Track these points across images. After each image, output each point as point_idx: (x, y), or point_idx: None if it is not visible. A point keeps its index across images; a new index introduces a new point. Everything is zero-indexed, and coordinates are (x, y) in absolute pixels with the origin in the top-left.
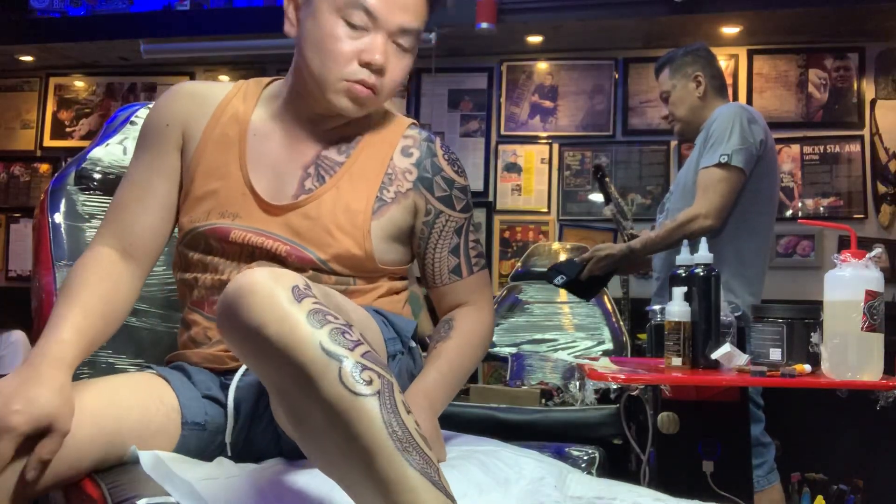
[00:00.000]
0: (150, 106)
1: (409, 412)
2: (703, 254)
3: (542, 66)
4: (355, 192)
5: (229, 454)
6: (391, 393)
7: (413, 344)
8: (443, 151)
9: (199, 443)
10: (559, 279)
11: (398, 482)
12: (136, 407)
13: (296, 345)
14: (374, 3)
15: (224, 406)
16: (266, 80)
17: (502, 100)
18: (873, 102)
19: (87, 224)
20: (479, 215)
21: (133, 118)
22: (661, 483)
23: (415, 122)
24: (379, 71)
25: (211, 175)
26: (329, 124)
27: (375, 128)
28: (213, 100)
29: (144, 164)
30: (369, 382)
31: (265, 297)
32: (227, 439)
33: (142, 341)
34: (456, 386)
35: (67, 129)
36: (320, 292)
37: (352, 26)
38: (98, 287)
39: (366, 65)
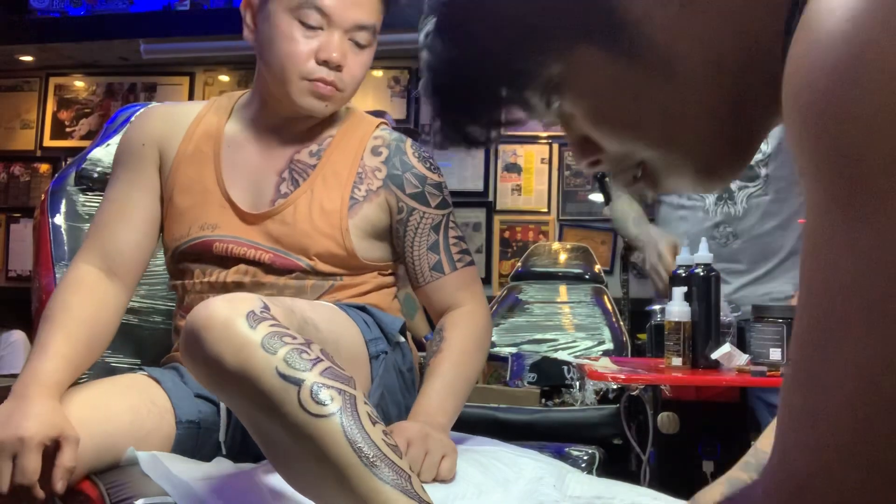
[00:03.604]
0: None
1: (374, 423)
2: (703, 254)
3: None
4: (329, 192)
5: (224, 452)
6: (354, 408)
7: (401, 339)
8: (413, 149)
9: (196, 441)
10: None
11: (371, 497)
12: (126, 411)
13: (253, 374)
14: (328, 2)
15: (217, 404)
16: (238, 93)
17: None
18: None
19: (88, 224)
20: (480, 215)
21: (134, 118)
22: (661, 483)
23: (384, 122)
24: (337, 68)
25: (188, 191)
26: (299, 126)
27: (346, 129)
28: (185, 118)
29: (123, 182)
30: (330, 401)
31: (221, 329)
32: (221, 437)
33: (142, 340)
34: (458, 398)
35: (67, 129)
36: (282, 309)
37: (307, 26)
38: (80, 312)
39: (323, 63)
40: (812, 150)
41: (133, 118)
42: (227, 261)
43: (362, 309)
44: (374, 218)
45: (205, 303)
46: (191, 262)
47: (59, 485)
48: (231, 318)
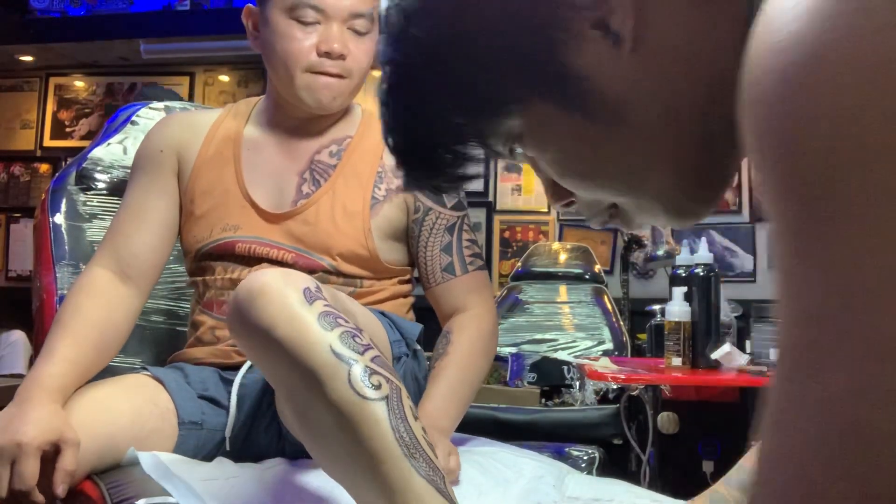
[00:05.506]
0: (141, 108)
1: (416, 418)
2: (703, 254)
3: None
4: (350, 193)
5: (228, 449)
6: (399, 398)
7: (418, 347)
8: None
9: (198, 442)
10: None
11: (404, 488)
12: (127, 412)
13: (306, 347)
14: None
15: (221, 406)
16: (255, 99)
17: None
18: None
19: (88, 224)
20: (480, 215)
21: (134, 118)
22: (661, 483)
23: None
24: (340, 58)
25: (209, 193)
26: (317, 127)
27: (364, 129)
28: (203, 125)
29: (141, 186)
30: (378, 387)
31: (276, 299)
32: (227, 433)
33: (142, 340)
34: (462, 402)
35: (67, 129)
36: (329, 294)
37: (305, 24)
38: (92, 315)
39: (325, 55)
40: (770, 166)
41: (152, 125)
42: (249, 260)
43: (382, 314)
44: (394, 218)
45: (259, 272)
46: (213, 261)
47: (60, 488)
48: (287, 290)
